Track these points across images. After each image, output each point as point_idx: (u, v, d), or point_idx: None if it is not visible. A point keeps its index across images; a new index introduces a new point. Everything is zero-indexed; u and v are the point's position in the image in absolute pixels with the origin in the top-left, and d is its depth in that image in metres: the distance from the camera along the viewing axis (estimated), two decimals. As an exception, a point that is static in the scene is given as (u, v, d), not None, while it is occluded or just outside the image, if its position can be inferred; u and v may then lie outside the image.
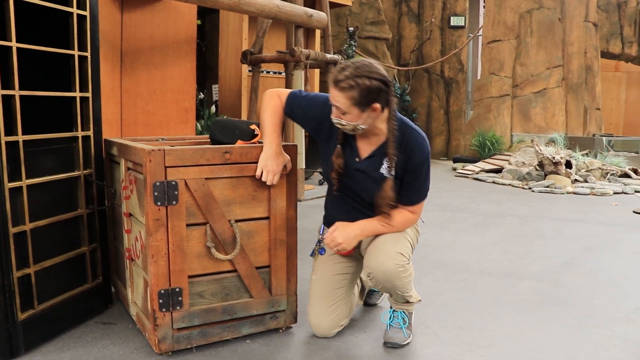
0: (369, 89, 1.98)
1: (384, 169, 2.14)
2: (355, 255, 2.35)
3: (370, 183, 2.16)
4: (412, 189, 2.19)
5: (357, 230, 2.19)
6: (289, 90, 2.26)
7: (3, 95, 1.97)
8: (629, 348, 2.24)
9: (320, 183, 6.66)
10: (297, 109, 2.24)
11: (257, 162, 2.15)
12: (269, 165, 2.15)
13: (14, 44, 1.98)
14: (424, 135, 2.19)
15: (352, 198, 2.25)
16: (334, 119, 2.08)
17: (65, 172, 2.28)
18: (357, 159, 2.18)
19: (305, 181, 6.50)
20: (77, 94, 2.31)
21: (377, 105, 2.01)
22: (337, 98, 2.01)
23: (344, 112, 2.02)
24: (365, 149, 2.18)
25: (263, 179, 2.15)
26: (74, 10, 2.26)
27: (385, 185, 2.13)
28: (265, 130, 2.21)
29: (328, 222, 2.37)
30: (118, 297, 2.62)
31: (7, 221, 2.01)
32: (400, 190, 2.19)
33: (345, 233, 2.18)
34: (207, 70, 8.24)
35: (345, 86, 1.97)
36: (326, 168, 2.26)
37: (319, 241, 2.40)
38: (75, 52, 2.28)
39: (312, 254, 2.41)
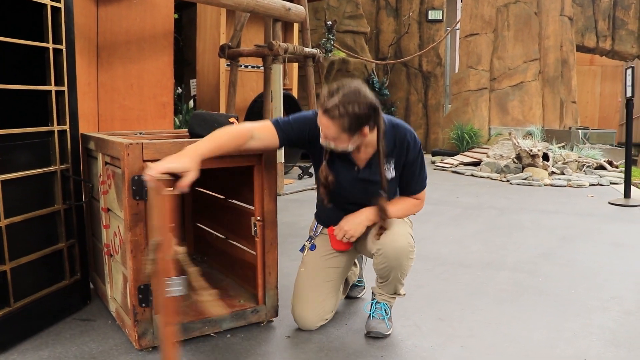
0: (358, 117, 1.97)
1: (386, 172, 2.17)
2: (350, 251, 2.35)
3: (376, 187, 2.17)
4: (413, 180, 2.25)
5: (363, 217, 2.19)
6: (267, 122, 2.12)
7: (-25, 89, 1.93)
8: (605, 336, 2.28)
9: (300, 177, 6.66)
10: (290, 131, 2.13)
11: (234, 156, 2.11)
12: (173, 164, 1.83)
13: (-15, 36, 1.94)
14: (411, 128, 2.23)
15: (350, 204, 2.25)
16: (323, 142, 2.07)
17: (41, 167, 2.24)
18: (356, 170, 2.19)
19: (284, 175, 6.49)
20: (53, 88, 2.27)
21: (366, 130, 2.02)
22: (326, 125, 1.99)
23: (334, 138, 2.02)
24: (362, 158, 2.18)
25: (155, 169, 1.79)
26: (48, 1, 2.21)
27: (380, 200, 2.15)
28: (206, 140, 1.99)
29: (323, 221, 2.38)
30: (97, 293, 2.59)
31: (-8, 215, 1.98)
32: (401, 184, 2.25)
33: (351, 221, 2.21)
34: (184, 65, 8.17)
35: (334, 115, 1.95)
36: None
37: (311, 237, 2.40)
38: (50, 45, 2.24)
39: (302, 249, 2.41)
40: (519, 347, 2.17)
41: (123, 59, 5.00)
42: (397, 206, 2.25)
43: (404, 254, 2.15)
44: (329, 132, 2.01)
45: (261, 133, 2.08)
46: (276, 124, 2.12)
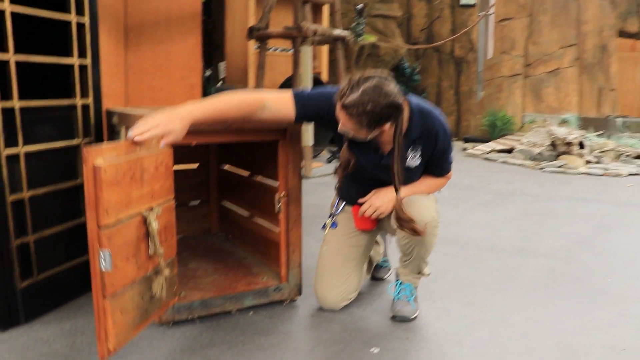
0: (377, 115, 1.87)
1: (411, 160, 2.10)
2: (373, 230, 2.29)
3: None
4: (440, 164, 2.20)
5: (393, 193, 2.08)
6: (286, 93, 2.00)
7: (-3, 59, 1.90)
8: (644, 324, 2.17)
9: (329, 161, 6.59)
10: (309, 106, 2.01)
11: (257, 131, 2.06)
12: (158, 120, 1.71)
13: (7, 6, 1.91)
14: (442, 116, 2.11)
15: (373, 181, 2.19)
16: (341, 129, 1.97)
17: (64, 140, 2.22)
18: (380, 154, 2.11)
19: (313, 159, 6.43)
20: (76, 61, 2.24)
21: (386, 126, 1.93)
22: (345, 120, 1.90)
23: (351, 130, 1.95)
24: (386, 142, 2.07)
25: (140, 127, 1.68)
26: (72, -28, 2.18)
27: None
28: (206, 103, 1.87)
29: (347, 199, 2.32)
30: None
31: (4, 188, 1.97)
32: (428, 168, 2.19)
33: (381, 197, 2.14)
34: (214, 48, 8.15)
35: (352, 113, 1.86)
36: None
37: (332, 214, 2.34)
38: (73, 18, 2.21)
39: (324, 227, 2.35)
40: (552, 335, 2.08)
41: (151, 39, 4.99)
42: (422, 185, 2.19)
43: (428, 229, 2.06)
44: (347, 127, 1.93)
45: (275, 104, 1.96)
46: (296, 97, 1.99)
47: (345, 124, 1.92)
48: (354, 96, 1.84)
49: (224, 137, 2.02)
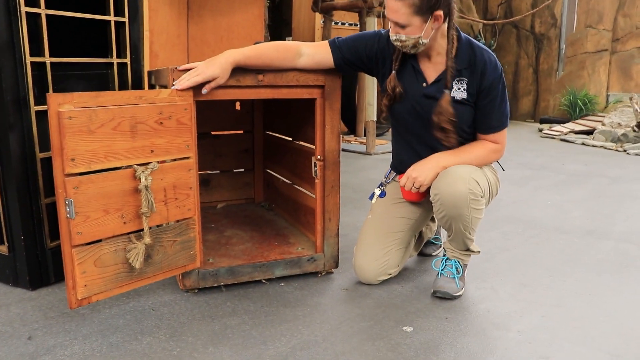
0: (417, 4, 1.75)
1: (456, 91, 1.91)
2: (424, 202, 2.09)
3: (442, 108, 1.92)
4: (489, 113, 1.95)
5: (433, 162, 1.93)
6: (324, 41, 2.00)
7: (28, 13, 1.86)
8: None
9: (393, 139, 6.38)
10: (345, 49, 1.96)
11: (291, 86, 1.93)
12: (201, 68, 1.76)
13: (37, -45, 1.86)
14: (492, 52, 1.94)
15: (419, 138, 2.02)
16: (393, 36, 1.85)
17: (98, 99, 2.18)
18: (424, 84, 1.95)
19: (379, 137, 6.24)
20: (112, 18, 2.18)
21: (440, 13, 1.79)
22: (396, 8, 1.78)
23: (404, 25, 1.79)
24: (431, 72, 1.95)
25: (185, 76, 1.75)
26: None
27: (441, 101, 1.89)
28: (246, 48, 1.87)
29: (396, 167, 2.16)
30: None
31: (34, 145, 1.94)
32: (478, 120, 1.96)
33: (420, 167, 1.95)
34: (282, 24, 8.08)
35: None
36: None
37: (382, 184, 2.18)
38: (110, -28, 2.14)
39: (371, 197, 2.19)
40: (614, 323, 1.83)
41: (213, 11, 4.95)
42: (471, 152, 1.96)
43: (463, 202, 1.84)
44: (399, 17, 1.78)
45: (311, 49, 1.94)
46: (332, 42, 1.97)
47: (396, 15, 1.79)
48: None
49: (257, 93, 1.89)
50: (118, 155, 1.57)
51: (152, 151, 1.65)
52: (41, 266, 2.00)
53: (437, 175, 1.92)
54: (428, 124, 1.96)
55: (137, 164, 1.61)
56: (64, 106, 1.47)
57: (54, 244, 2.02)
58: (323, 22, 6.26)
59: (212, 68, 1.76)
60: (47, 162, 1.98)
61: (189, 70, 1.77)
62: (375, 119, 5.51)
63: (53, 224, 2.02)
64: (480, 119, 1.96)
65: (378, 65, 2.02)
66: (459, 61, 1.89)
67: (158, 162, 1.65)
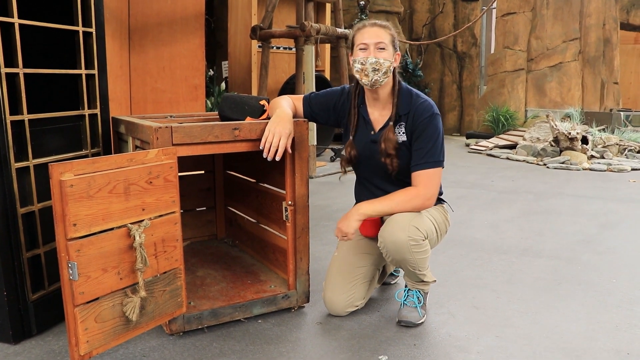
0: (394, 36, 2.18)
1: (398, 135, 2.17)
2: None
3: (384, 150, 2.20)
4: (420, 153, 2.13)
5: (354, 212, 2.13)
6: (300, 95, 2.36)
7: (7, 74, 1.92)
8: (649, 328, 2.19)
9: (332, 160, 6.60)
10: (315, 105, 2.31)
11: None
12: (278, 128, 2.06)
13: (16, 20, 1.93)
14: (431, 100, 2.22)
15: (373, 181, 2.28)
16: (371, 58, 2.10)
17: (72, 151, 2.24)
18: (372, 132, 2.23)
19: (316, 158, 6.44)
20: (83, 71, 2.26)
21: (399, 54, 2.18)
22: (379, 33, 2.12)
23: (383, 48, 2.11)
24: (378, 120, 2.23)
25: (268, 142, 2.03)
26: (78, -16, 2.19)
27: (386, 130, 2.17)
28: (278, 106, 2.21)
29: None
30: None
31: (15, 201, 1.99)
32: (413, 156, 2.16)
33: (344, 218, 2.15)
34: (216, 47, 8.15)
35: (384, 25, 2.15)
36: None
37: None
38: (80, 28, 2.22)
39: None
40: (557, 339, 2.10)
41: (155, 41, 4.99)
42: (392, 199, 2.12)
43: (404, 249, 2.04)
44: (382, 39, 2.11)
45: (296, 102, 2.33)
46: (306, 97, 2.34)
47: (378, 38, 2.11)
48: (373, 20, 2.22)
49: (234, 147, 2.04)
50: (114, 216, 1.67)
51: (143, 209, 1.76)
52: (23, 319, 2.05)
53: (361, 223, 2.13)
54: (377, 166, 2.20)
55: (130, 223, 1.72)
56: (65, 175, 1.56)
57: (36, 296, 2.07)
58: (260, 46, 6.42)
59: (287, 125, 2.09)
60: (28, 218, 2.04)
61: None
62: (315, 143, 5.71)
63: (35, 277, 2.07)
64: (413, 159, 2.15)
65: (341, 115, 2.31)
66: (400, 107, 2.17)
67: (149, 219, 1.77)
